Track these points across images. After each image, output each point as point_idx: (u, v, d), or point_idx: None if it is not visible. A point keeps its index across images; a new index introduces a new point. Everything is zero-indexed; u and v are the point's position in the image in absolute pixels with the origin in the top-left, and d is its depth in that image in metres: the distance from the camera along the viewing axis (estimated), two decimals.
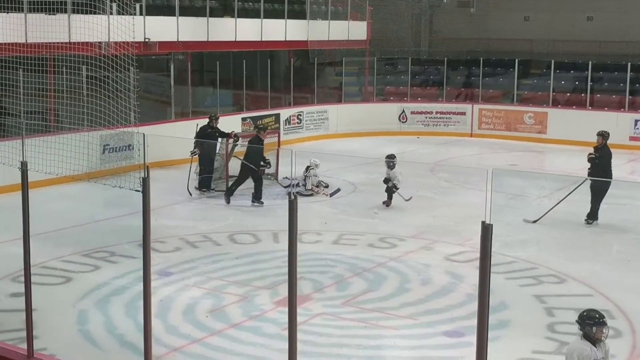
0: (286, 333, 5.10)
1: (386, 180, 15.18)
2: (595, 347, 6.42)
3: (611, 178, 14.30)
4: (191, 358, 8.33)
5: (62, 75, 13.60)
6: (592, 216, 13.86)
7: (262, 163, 15.42)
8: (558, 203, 13.08)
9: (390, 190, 15.10)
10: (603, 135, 14.18)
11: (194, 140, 16.64)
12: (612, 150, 14.36)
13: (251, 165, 15.25)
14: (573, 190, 13.70)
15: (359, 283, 10.89)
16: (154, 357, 5.93)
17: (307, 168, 16.74)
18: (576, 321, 6.57)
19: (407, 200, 15.01)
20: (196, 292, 10.39)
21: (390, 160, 15.15)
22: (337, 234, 13.27)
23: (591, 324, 6.43)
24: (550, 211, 13.56)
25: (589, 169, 14.00)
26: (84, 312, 9.62)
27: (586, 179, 13.68)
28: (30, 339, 6.41)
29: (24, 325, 6.50)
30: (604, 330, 6.44)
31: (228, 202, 15.34)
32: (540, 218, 13.45)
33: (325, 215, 14.61)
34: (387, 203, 15.17)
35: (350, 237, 13.12)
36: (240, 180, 15.54)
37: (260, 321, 9.35)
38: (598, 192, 13.74)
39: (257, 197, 15.33)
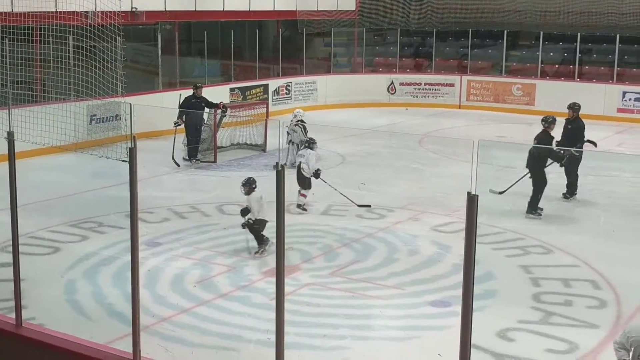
0: (274, 303, 5.12)
1: (244, 211, 10.78)
2: None
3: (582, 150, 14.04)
4: (179, 328, 8.37)
5: (49, 45, 13.49)
6: (571, 191, 13.73)
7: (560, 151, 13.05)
8: (525, 175, 12.97)
9: (252, 228, 10.56)
10: (573, 108, 14.01)
11: (178, 110, 16.61)
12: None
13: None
14: (549, 164, 13.58)
15: (347, 253, 10.94)
16: (142, 327, 5.95)
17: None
18: None
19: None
20: (184, 262, 10.42)
21: (248, 184, 10.72)
22: (325, 205, 13.30)
23: None
24: (516, 183, 13.21)
25: (557, 141, 13.74)
26: (72, 282, 9.65)
27: (570, 150, 13.52)
28: (18, 308, 6.42)
29: (13, 295, 6.50)
30: None
31: None
32: (507, 189, 13.15)
33: (313, 186, 14.60)
34: (258, 250, 10.58)
35: (338, 207, 13.15)
36: (538, 189, 12.81)
37: (249, 291, 9.40)
38: (572, 164, 13.58)
39: (533, 206, 12.79)
